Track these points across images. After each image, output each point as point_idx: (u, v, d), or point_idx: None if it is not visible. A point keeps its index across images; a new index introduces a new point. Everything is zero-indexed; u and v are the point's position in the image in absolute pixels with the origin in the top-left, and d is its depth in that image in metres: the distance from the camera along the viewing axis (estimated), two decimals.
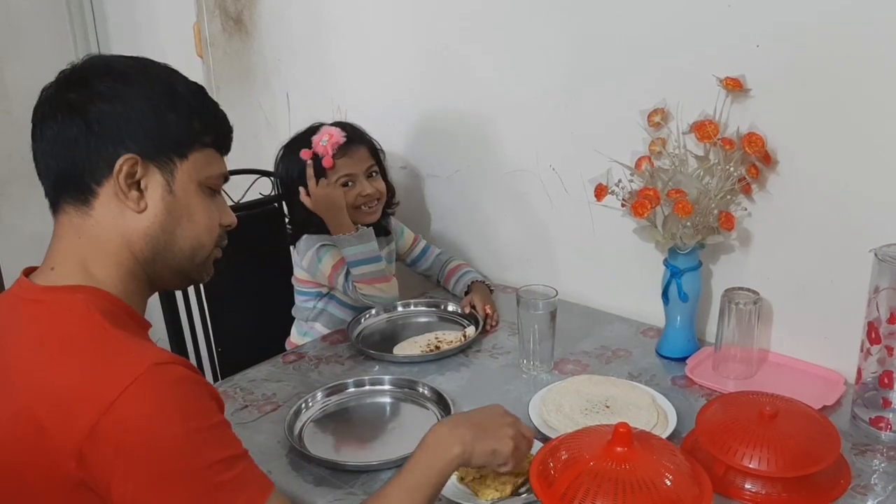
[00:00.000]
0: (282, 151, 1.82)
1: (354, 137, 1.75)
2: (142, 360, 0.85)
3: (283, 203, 1.92)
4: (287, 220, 1.89)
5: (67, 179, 0.95)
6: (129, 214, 0.96)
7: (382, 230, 1.86)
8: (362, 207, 1.76)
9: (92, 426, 0.81)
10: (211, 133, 1.01)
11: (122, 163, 0.93)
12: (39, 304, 0.92)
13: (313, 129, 1.77)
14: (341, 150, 1.71)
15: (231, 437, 0.91)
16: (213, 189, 1.03)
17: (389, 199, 1.86)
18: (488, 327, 1.72)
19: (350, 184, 1.74)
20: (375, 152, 1.81)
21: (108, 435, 0.81)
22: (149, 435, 0.83)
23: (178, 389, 0.86)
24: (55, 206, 0.98)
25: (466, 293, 1.84)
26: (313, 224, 1.77)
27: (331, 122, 1.79)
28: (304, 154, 1.71)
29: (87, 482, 0.83)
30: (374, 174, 1.78)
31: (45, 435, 0.83)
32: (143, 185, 0.95)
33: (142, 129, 0.94)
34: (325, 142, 1.70)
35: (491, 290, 1.86)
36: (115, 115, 0.93)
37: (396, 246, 1.92)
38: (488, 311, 1.74)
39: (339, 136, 1.71)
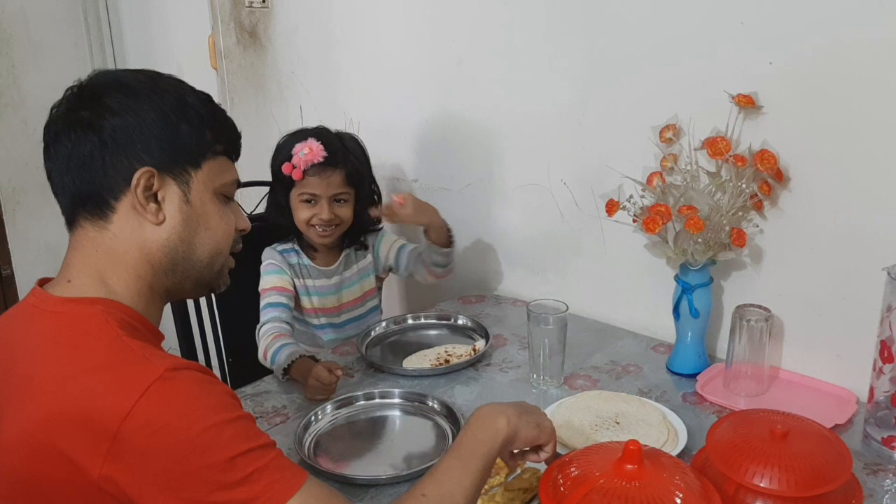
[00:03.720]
0: (281, 140, 1.79)
1: (335, 159, 1.70)
2: (157, 367, 0.85)
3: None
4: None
5: (84, 196, 0.96)
6: (148, 227, 0.97)
7: (362, 247, 1.86)
8: (316, 228, 1.74)
9: (114, 434, 0.82)
10: (222, 141, 1.03)
11: (139, 176, 0.94)
12: (58, 315, 0.93)
13: (310, 132, 1.75)
14: (315, 169, 1.68)
15: (257, 429, 0.91)
16: (226, 196, 1.05)
17: (372, 223, 1.85)
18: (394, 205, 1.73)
19: (312, 202, 1.72)
20: (355, 178, 1.75)
21: (131, 442, 0.82)
22: (173, 435, 0.83)
23: (197, 389, 0.87)
24: (71, 222, 0.98)
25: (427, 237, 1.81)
26: (277, 229, 1.79)
27: (334, 130, 1.78)
28: (286, 169, 1.69)
29: (110, 491, 0.83)
30: (342, 201, 1.74)
31: (68, 445, 0.83)
32: (160, 197, 0.97)
33: (155, 142, 0.95)
34: (304, 154, 1.68)
35: (450, 234, 1.82)
36: (129, 128, 0.94)
37: (377, 257, 1.88)
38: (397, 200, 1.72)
39: (317, 153, 1.67)
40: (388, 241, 1.91)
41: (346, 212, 1.76)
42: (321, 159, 1.68)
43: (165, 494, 0.83)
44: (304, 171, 1.69)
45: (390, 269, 1.94)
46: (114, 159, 0.94)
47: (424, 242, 1.82)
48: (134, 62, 3.20)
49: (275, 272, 1.76)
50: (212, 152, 1.01)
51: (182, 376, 0.87)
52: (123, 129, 0.94)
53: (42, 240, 3.02)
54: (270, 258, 1.78)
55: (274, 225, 1.80)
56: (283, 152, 1.74)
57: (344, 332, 1.85)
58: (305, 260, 1.81)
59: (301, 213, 1.73)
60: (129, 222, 0.96)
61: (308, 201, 1.72)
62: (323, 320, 1.85)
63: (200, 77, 2.70)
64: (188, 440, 0.83)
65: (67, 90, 0.98)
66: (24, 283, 2.75)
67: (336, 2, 2.24)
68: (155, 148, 0.95)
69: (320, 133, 1.75)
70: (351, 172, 1.74)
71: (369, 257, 1.89)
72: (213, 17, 2.60)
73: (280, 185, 1.76)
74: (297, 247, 1.80)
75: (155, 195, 0.96)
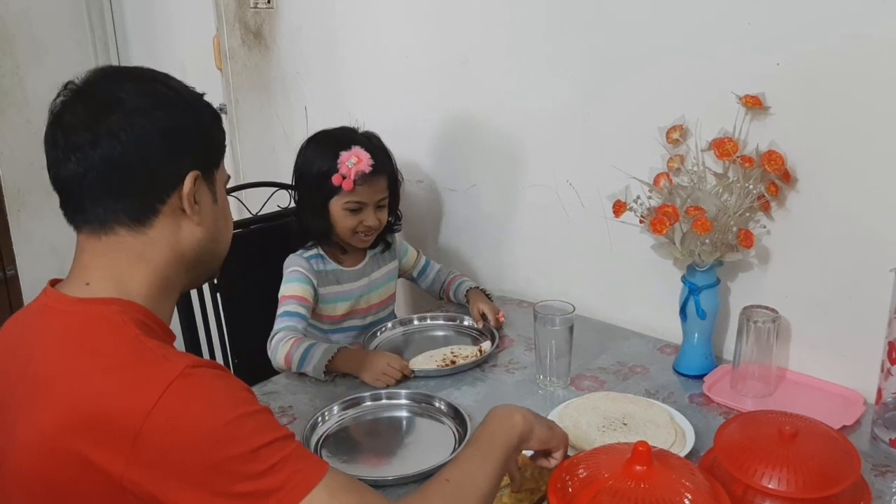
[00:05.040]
0: (307, 143, 1.78)
1: (379, 167, 1.70)
2: (176, 365, 0.86)
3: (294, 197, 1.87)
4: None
5: (127, 201, 0.95)
6: (187, 228, 0.98)
7: (385, 246, 1.87)
8: (359, 235, 1.75)
9: (136, 433, 0.82)
10: (225, 141, 1.06)
11: (192, 180, 0.96)
12: (74, 315, 0.92)
13: (345, 136, 1.73)
14: (363, 178, 1.68)
15: (276, 421, 0.92)
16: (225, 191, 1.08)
17: (395, 221, 1.86)
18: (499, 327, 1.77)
19: (357, 210, 1.72)
20: (393, 180, 1.78)
21: (154, 439, 0.82)
22: (196, 430, 0.83)
23: (216, 384, 0.88)
24: (103, 227, 0.95)
25: (467, 301, 1.85)
26: (309, 235, 1.77)
27: (361, 130, 1.78)
28: (336, 180, 1.67)
29: (133, 490, 0.84)
30: (382, 206, 1.75)
31: (88, 446, 0.83)
32: (197, 199, 0.98)
33: (198, 145, 0.98)
34: (352, 164, 1.66)
35: (487, 295, 1.87)
36: (176, 133, 0.95)
37: (400, 264, 1.93)
38: (500, 318, 1.77)
39: (366, 164, 1.66)
40: (412, 252, 1.95)
41: (385, 216, 1.77)
42: (369, 169, 1.67)
43: (191, 489, 0.83)
44: (354, 181, 1.68)
45: (411, 279, 1.98)
46: (164, 164, 0.94)
47: (461, 290, 1.89)
48: (138, 62, 3.17)
49: (299, 280, 1.73)
50: (223, 152, 1.05)
51: (200, 373, 0.87)
52: (173, 133, 0.94)
53: (46, 240, 3.02)
54: (297, 265, 1.74)
55: (306, 231, 1.77)
56: (321, 161, 1.71)
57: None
58: (332, 265, 1.79)
59: (346, 222, 1.72)
60: (169, 225, 0.97)
61: (353, 210, 1.72)
62: (346, 324, 1.84)
63: (205, 77, 2.70)
64: (211, 434, 0.84)
65: (71, 88, 0.96)
66: (28, 284, 2.75)
67: (340, 2, 2.24)
68: (199, 150, 0.98)
69: (356, 137, 1.73)
70: (391, 176, 1.77)
71: (395, 262, 1.90)
72: (217, 18, 2.60)
73: (318, 193, 1.72)
74: (321, 252, 1.78)
75: (193, 196, 0.97)
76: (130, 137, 0.92)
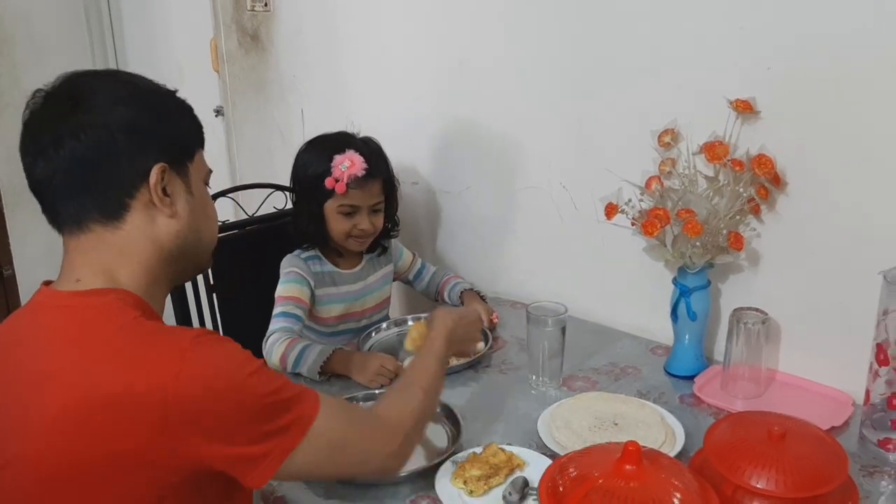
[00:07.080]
0: (305, 147, 1.79)
1: (373, 170, 1.72)
2: (183, 336, 0.91)
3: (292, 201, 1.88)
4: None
5: (96, 198, 0.96)
6: (161, 221, 1.00)
7: (381, 251, 1.88)
8: (353, 239, 1.76)
9: (164, 402, 0.86)
10: (200, 132, 1.07)
11: (157, 172, 0.97)
12: (71, 308, 0.94)
13: (341, 141, 1.74)
14: (357, 181, 1.69)
15: (274, 371, 1.00)
16: (206, 183, 1.09)
17: (392, 227, 1.87)
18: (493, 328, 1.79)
19: (351, 213, 1.73)
20: (388, 184, 1.79)
21: (185, 404, 0.87)
22: (225, 386, 0.90)
23: (226, 346, 0.95)
24: (79, 225, 0.97)
25: (461, 302, 1.86)
26: (305, 238, 1.78)
27: (360, 135, 1.79)
28: (329, 183, 1.69)
29: (162, 463, 0.88)
30: (377, 210, 1.77)
31: (108, 426, 0.86)
32: (169, 191, 0.99)
33: (162, 138, 0.99)
34: (345, 167, 1.68)
35: (482, 296, 1.88)
36: (136, 128, 0.96)
37: (396, 267, 1.94)
38: (494, 319, 1.79)
39: (359, 167, 1.68)
40: (408, 255, 1.96)
41: (380, 220, 1.78)
42: (363, 172, 1.69)
43: (225, 442, 0.90)
44: (347, 185, 1.69)
45: (406, 282, 1.99)
46: (126, 159, 0.96)
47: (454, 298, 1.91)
48: (135, 64, 3.21)
49: (295, 281, 1.74)
50: (196, 144, 1.06)
51: (208, 340, 0.93)
52: (132, 129, 0.96)
53: (43, 240, 3.01)
54: (294, 266, 1.76)
55: (303, 233, 1.78)
56: (317, 164, 1.72)
57: None
58: (329, 267, 1.80)
59: (340, 225, 1.74)
60: (142, 219, 0.98)
61: (347, 213, 1.73)
62: (341, 327, 1.85)
63: (202, 79, 2.71)
64: (238, 388, 0.91)
65: (38, 95, 0.98)
66: (26, 283, 2.75)
67: (338, 5, 2.25)
68: (163, 144, 0.98)
69: (351, 141, 1.75)
70: (386, 180, 1.78)
71: (391, 266, 1.91)
72: (214, 20, 2.62)
73: (313, 196, 1.74)
74: (319, 254, 1.80)
75: (164, 189, 0.99)
76: (91, 135, 0.94)
